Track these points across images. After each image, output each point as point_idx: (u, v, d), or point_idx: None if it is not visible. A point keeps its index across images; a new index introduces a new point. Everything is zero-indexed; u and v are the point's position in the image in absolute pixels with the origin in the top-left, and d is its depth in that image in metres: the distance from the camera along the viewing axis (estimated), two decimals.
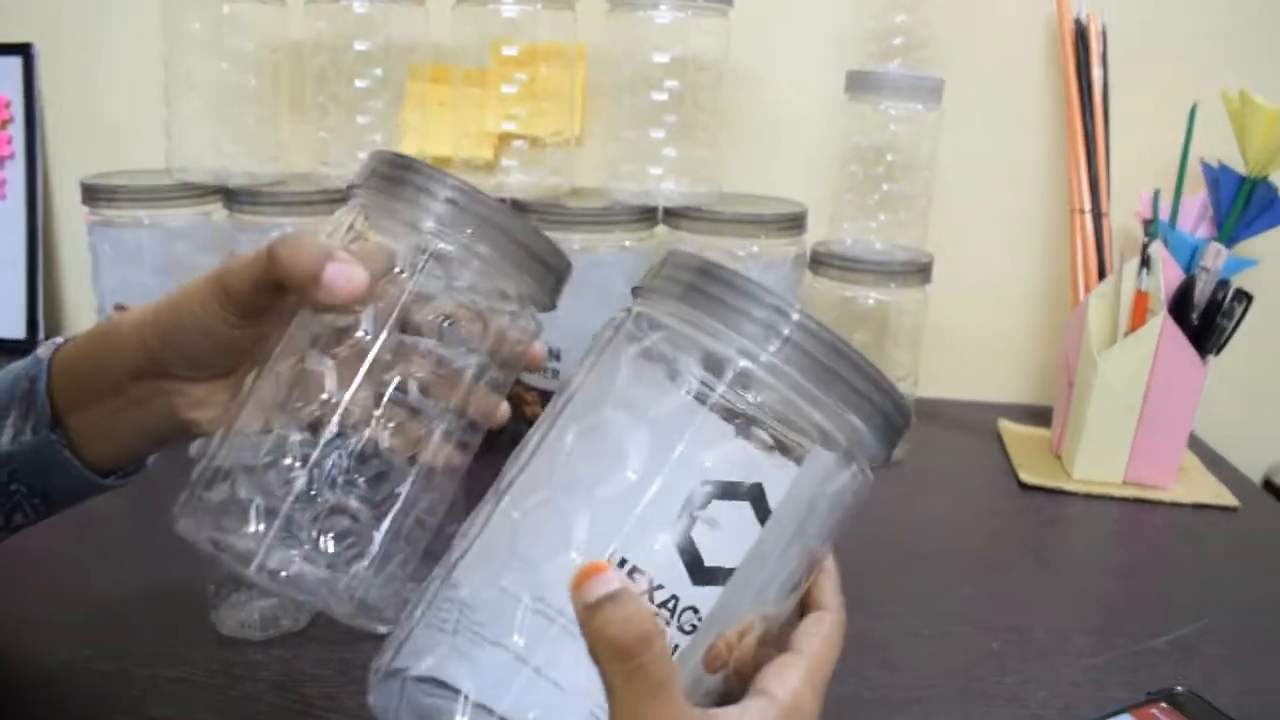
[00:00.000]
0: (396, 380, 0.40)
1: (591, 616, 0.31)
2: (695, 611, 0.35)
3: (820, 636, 0.38)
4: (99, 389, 0.45)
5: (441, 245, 0.39)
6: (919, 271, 0.89)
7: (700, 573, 0.34)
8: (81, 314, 1.15)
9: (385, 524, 0.40)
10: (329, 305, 0.39)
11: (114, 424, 0.46)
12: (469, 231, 0.39)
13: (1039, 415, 1.05)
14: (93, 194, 0.90)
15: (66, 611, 0.63)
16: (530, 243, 0.41)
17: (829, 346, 0.34)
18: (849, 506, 0.37)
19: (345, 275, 0.38)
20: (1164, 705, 0.57)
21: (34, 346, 0.48)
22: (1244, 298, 0.84)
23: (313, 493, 0.38)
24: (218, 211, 0.94)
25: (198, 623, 0.62)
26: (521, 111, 0.93)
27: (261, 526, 0.38)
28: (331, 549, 0.39)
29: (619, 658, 0.31)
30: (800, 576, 0.38)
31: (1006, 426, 1.02)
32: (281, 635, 0.61)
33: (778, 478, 0.35)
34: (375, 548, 0.39)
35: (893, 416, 0.36)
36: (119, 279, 0.91)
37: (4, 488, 0.46)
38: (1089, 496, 0.89)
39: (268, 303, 0.42)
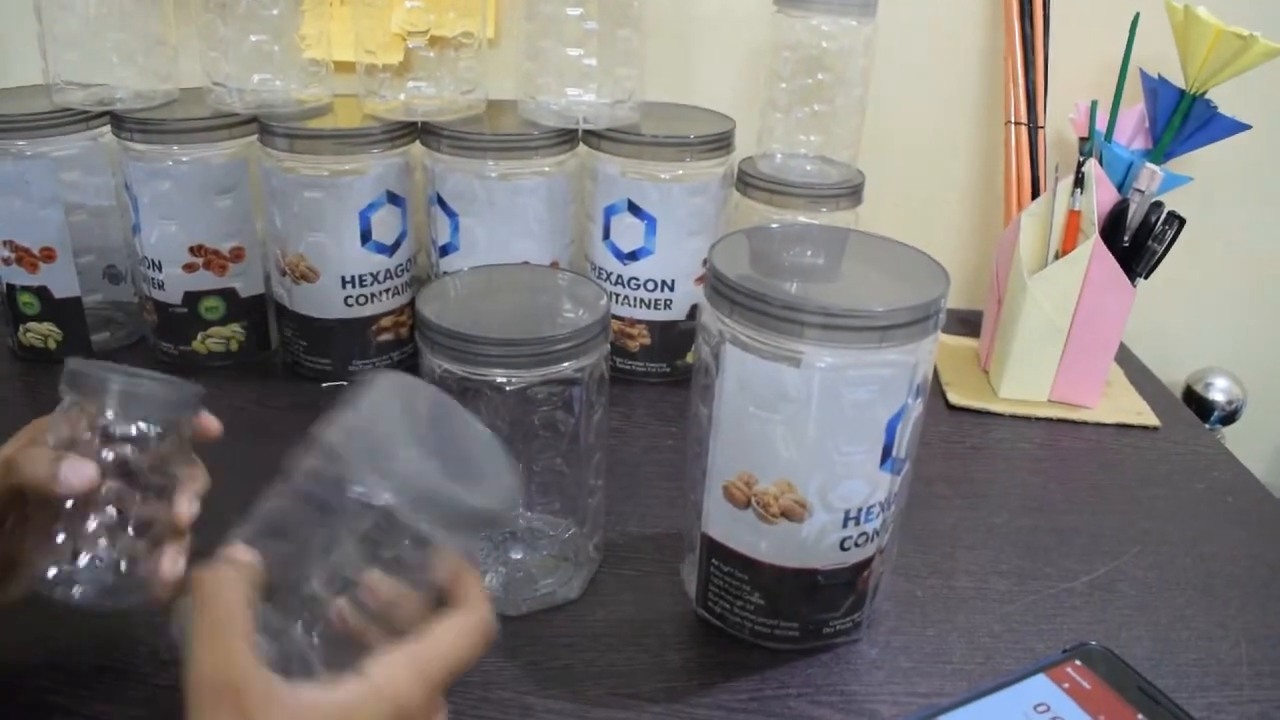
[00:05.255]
0: None
1: None
2: None
3: (440, 628, 0.39)
4: None
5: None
6: (850, 194, 0.86)
7: None
8: None
9: None
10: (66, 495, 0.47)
11: None
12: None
13: (969, 322, 1.05)
14: None
15: None
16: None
17: None
18: None
19: (75, 471, 0.47)
20: (1078, 663, 0.59)
21: None
22: (1175, 221, 0.83)
23: None
24: (106, 135, 0.87)
25: None
26: (431, 16, 0.87)
27: None
28: None
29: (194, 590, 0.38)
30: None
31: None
32: None
33: None
34: None
35: None
36: (5, 210, 0.85)
37: None
38: (1014, 418, 0.89)
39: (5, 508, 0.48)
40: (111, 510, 0.48)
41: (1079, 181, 0.86)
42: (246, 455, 0.78)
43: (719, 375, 0.54)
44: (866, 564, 0.58)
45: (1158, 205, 0.84)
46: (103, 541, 0.48)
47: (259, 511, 0.41)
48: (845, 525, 0.55)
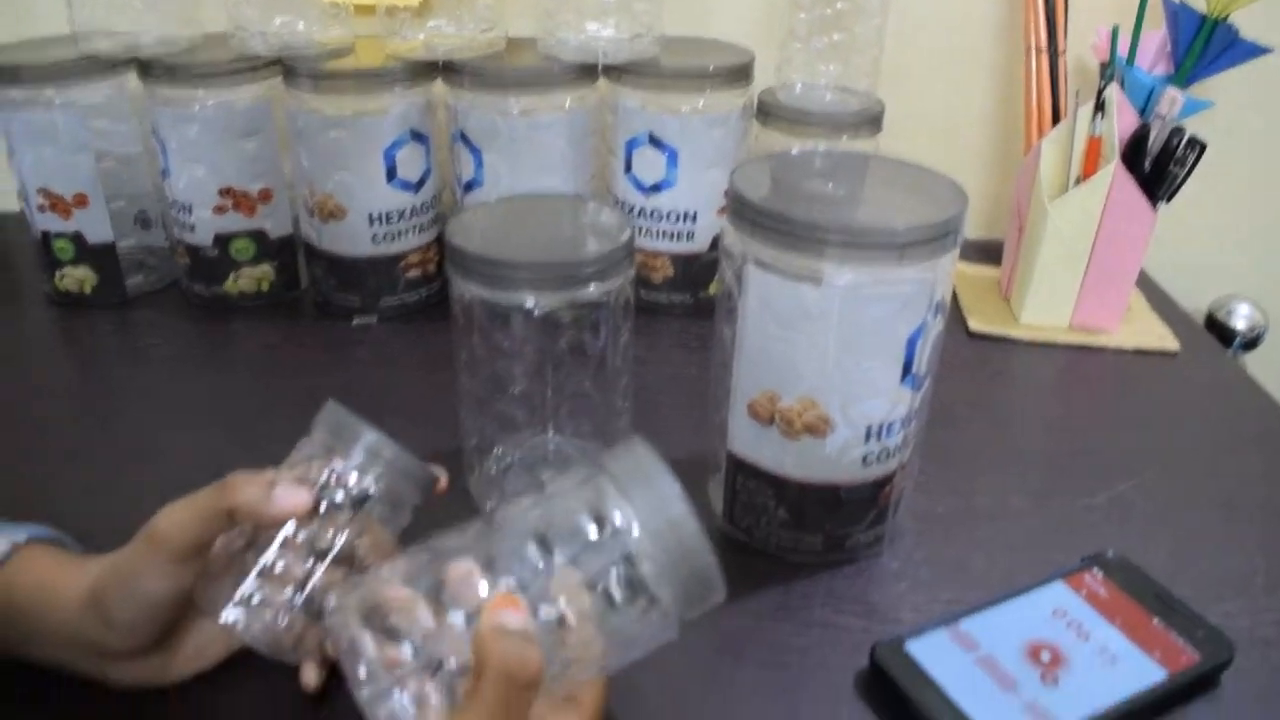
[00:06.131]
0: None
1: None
2: None
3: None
4: (34, 644, 0.49)
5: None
6: (870, 123, 0.86)
7: None
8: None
9: None
10: (275, 517, 0.46)
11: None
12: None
13: (989, 251, 1.05)
14: None
15: None
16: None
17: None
18: None
19: (290, 495, 0.46)
20: (1096, 571, 0.60)
21: None
22: (1197, 145, 0.83)
23: None
24: (132, 80, 0.88)
25: None
26: None
27: None
28: None
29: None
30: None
31: (958, 267, 1.02)
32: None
33: None
34: None
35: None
36: (35, 159, 0.86)
37: None
38: (1035, 344, 0.90)
39: (207, 538, 0.46)
40: (305, 560, 0.47)
41: (1100, 107, 0.85)
42: (279, 391, 0.81)
43: (742, 296, 0.55)
44: (888, 479, 0.59)
45: (1179, 130, 0.83)
46: (287, 584, 0.47)
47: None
48: (867, 441, 0.57)
